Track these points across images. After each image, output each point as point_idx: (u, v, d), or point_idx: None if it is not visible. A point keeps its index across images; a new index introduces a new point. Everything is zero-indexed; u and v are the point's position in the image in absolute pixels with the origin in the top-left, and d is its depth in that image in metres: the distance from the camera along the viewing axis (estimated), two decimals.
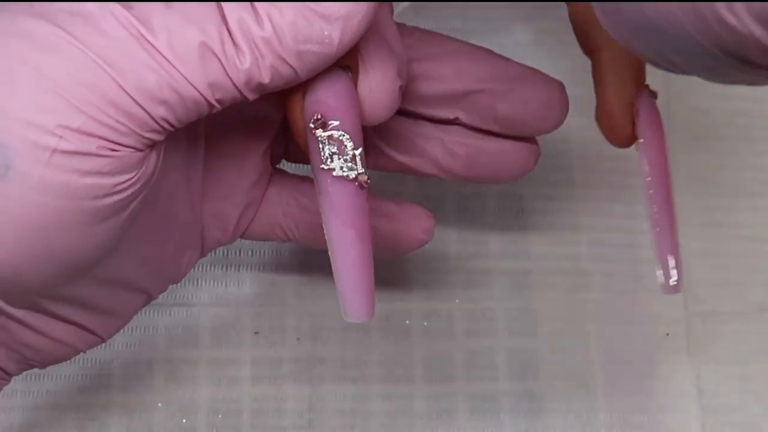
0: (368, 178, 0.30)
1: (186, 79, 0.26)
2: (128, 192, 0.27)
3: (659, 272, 0.34)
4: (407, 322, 0.43)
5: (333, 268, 0.30)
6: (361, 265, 0.30)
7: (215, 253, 0.43)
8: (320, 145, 0.29)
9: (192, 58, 0.26)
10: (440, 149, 0.35)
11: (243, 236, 0.37)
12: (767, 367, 0.44)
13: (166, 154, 0.30)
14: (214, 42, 0.26)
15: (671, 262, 0.34)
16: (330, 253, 0.30)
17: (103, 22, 0.26)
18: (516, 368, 0.43)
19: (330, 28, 0.27)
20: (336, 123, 0.29)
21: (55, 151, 0.25)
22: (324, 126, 0.29)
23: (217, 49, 0.26)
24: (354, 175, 0.29)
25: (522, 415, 0.42)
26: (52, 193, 0.26)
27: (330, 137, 0.29)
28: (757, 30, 0.21)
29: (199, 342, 0.42)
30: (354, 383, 0.42)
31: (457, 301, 0.43)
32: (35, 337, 0.31)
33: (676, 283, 0.34)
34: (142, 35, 0.26)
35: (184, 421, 0.41)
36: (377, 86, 0.30)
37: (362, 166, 0.29)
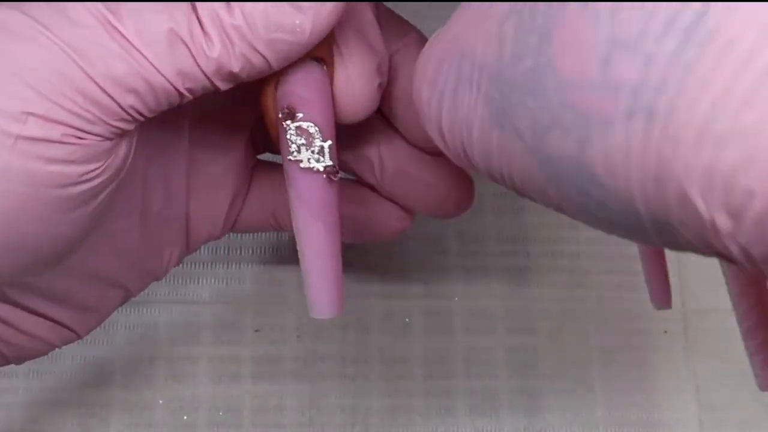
0: (338, 171, 0.29)
1: (154, 66, 0.26)
2: (96, 182, 0.27)
3: (649, 292, 0.35)
4: (407, 319, 0.43)
5: (300, 261, 0.30)
6: (328, 260, 0.30)
7: (216, 251, 0.43)
8: (288, 136, 0.29)
9: (160, 45, 0.26)
10: (376, 157, 0.34)
11: (234, 228, 0.36)
12: None
13: (139, 146, 0.29)
14: (182, 29, 0.26)
15: (658, 283, 0.35)
16: (297, 247, 0.30)
17: (72, 10, 0.25)
18: (515, 365, 0.43)
19: (302, 17, 0.26)
20: (304, 114, 0.29)
21: (18, 137, 0.25)
22: (293, 117, 0.29)
23: (185, 36, 0.26)
24: (322, 168, 0.29)
25: (521, 412, 0.42)
26: (17, 180, 0.25)
27: (298, 128, 0.29)
28: (721, 219, 0.18)
29: (200, 339, 0.42)
30: (354, 380, 0.42)
31: (456, 298, 0.44)
32: (7, 330, 0.30)
33: (662, 301, 0.35)
34: (109, 22, 0.25)
35: (185, 418, 0.41)
36: (354, 82, 0.29)
37: (330, 159, 0.29)
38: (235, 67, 0.27)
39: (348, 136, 0.33)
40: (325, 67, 0.29)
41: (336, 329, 0.43)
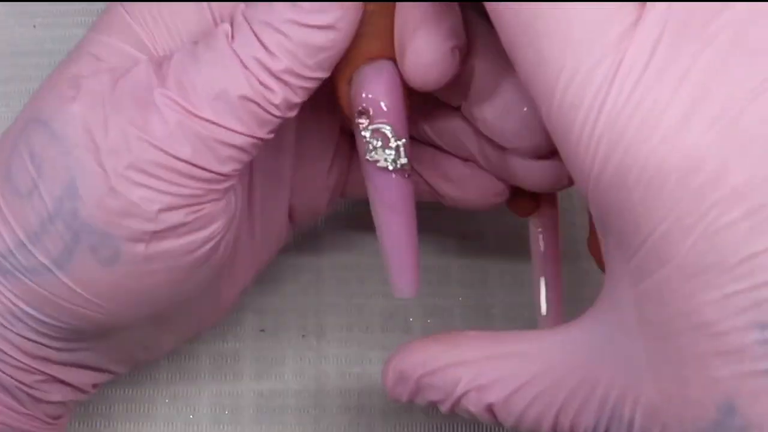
0: (412, 167, 0.31)
1: (237, 132, 0.28)
2: (219, 237, 0.30)
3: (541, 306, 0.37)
4: (410, 319, 0.43)
5: (381, 248, 0.32)
6: (404, 248, 0.32)
7: None
8: (364, 137, 0.31)
9: (236, 113, 0.28)
10: (479, 152, 0.35)
11: (343, 195, 0.39)
12: None
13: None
14: (247, 90, 0.28)
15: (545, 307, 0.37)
16: (378, 234, 0.32)
17: (156, 113, 0.28)
18: None
19: (332, 31, 0.28)
20: (378, 115, 0.30)
21: (153, 232, 0.28)
22: (368, 119, 0.30)
23: (252, 96, 0.28)
24: (399, 166, 0.31)
25: None
26: (157, 261, 0.29)
27: (374, 130, 0.30)
28: None
29: (203, 338, 0.42)
30: (358, 380, 0.42)
31: (458, 298, 0.44)
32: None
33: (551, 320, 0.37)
34: (189, 112, 0.28)
35: (190, 416, 0.41)
36: (425, 53, 0.30)
37: (405, 156, 0.31)
38: (298, 98, 0.29)
39: (443, 131, 0.35)
40: (393, 62, 0.30)
41: (339, 328, 0.43)
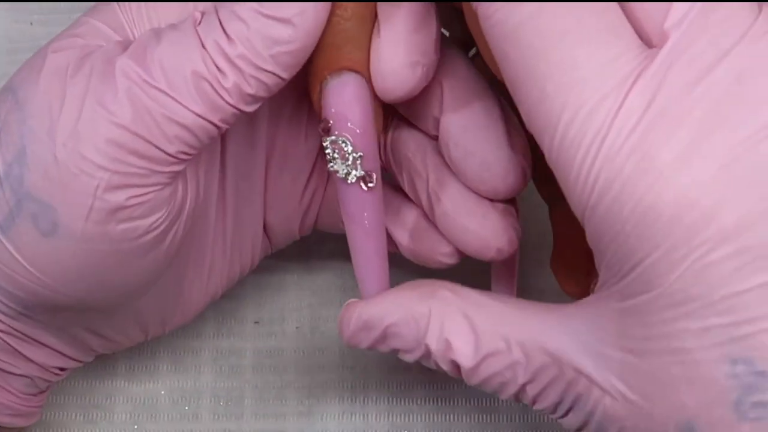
0: (371, 179, 0.31)
1: (187, 108, 0.28)
2: (162, 227, 0.30)
3: None
4: None
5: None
6: (370, 257, 0.32)
7: None
8: (325, 149, 0.31)
9: (188, 88, 0.28)
10: (424, 194, 0.35)
11: (316, 228, 0.39)
12: None
13: (211, 175, 0.33)
14: (200, 67, 0.28)
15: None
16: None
17: (112, 77, 0.28)
18: None
19: (290, 27, 0.28)
20: (338, 128, 0.30)
21: (91, 208, 0.28)
22: (328, 132, 0.30)
23: (205, 74, 0.28)
24: (354, 179, 0.31)
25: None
26: (94, 241, 0.29)
27: (333, 142, 0.30)
28: None
29: (202, 332, 0.42)
30: (352, 371, 0.42)
31: None
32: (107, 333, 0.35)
33: None
34: (144, 80, 0.28)
35: (186, 408, 0.41)
36: (387, 61, 0.30)
37: (361, 170, 0.31)
38: (251, 89, 0.29)
39: (404, 167, 0.35)
40: (361, 75, 0.30)
41: (334, 321, 0.43)
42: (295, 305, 0.43)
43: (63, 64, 0.29)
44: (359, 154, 0.31)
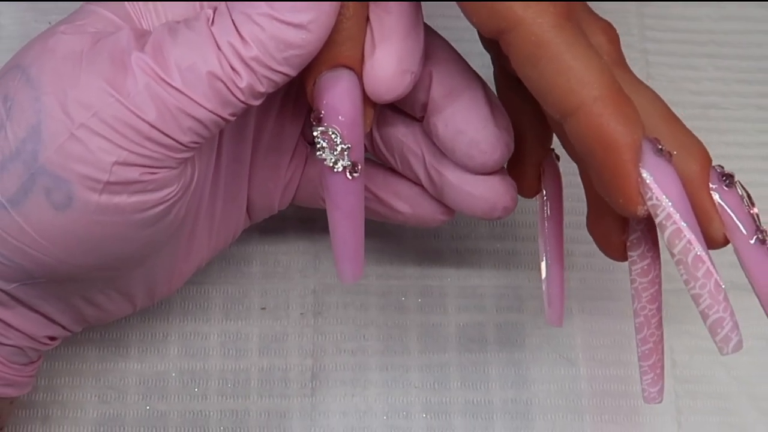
0: (357, 170, 0.32)
1: (202, 106, 0.29)
2: (171, 201, 0.31)
3: (546, 308, 0.37)
4: (403, 298, 0.44)
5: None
6: (347, 239, 0.33)
7: None
8: (315, 138, 0.32)
9: (203, 87, 0.29)
10: (423, 174, 0.37)
11: (293, 203, 0.40)
12: None
13: (207, 155, 0.34)
14: (216, 69, 0.29)
15: (557, 303, 0.37)
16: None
17: (129, 70, 0.29)
18: (504, 341, 0.43)
19: (304, 32, 0.29)
20: (329, 119, 0.31)
21: (106, 183, 0.29)
22: (318, 122, 0.32)
23: (220, 75, 0.29)
24: (341, 168, 0.32)
25: (509, 384, 0.43)
26: (107, 213, 0.30)
27: (323, 132, 0.32)
28: None
29: (210, 317, 0.43)
30: (353, 355, 0.43)
31: (449, 279, 0.45)
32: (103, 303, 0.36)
33: (557, 319, 0.37)
34: (161, 78, 0.29)
35: (196, 389, 0.42)
36: (380, 69, 0.32)
37: (348, 160, 0.32)
38: (262, 87, 0.30)
39: (396, 148, 0.36)
40: (354, 72, 0.32)
41: (336, 307, 0.44)
42: (299, 292, 0.44)
43: (77, 47, 0.30)
44: (347, 145, 0.32)
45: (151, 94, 0.29)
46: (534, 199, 0.38)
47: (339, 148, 0.32)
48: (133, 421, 0.42)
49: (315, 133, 0.32)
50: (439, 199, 0.37)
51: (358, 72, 0.32)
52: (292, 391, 0.42)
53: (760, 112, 0.49)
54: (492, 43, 0.31)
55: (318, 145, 0.32)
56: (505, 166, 0.37)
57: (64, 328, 0.35)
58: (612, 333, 0.44)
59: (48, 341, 0.35)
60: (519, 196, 0.37)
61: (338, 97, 0.31)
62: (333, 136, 0.32)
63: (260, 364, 0.43)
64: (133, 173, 0.29)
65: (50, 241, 0.30)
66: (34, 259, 0.30)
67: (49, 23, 0.48)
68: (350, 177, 0.32)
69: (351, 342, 0.43)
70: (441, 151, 0.36)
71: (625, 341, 0.44)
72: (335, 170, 0.32)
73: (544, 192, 0.37)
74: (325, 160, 0.32)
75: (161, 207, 0.31)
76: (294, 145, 0.38)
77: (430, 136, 0.35)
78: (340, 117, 0.31)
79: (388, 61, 0.31)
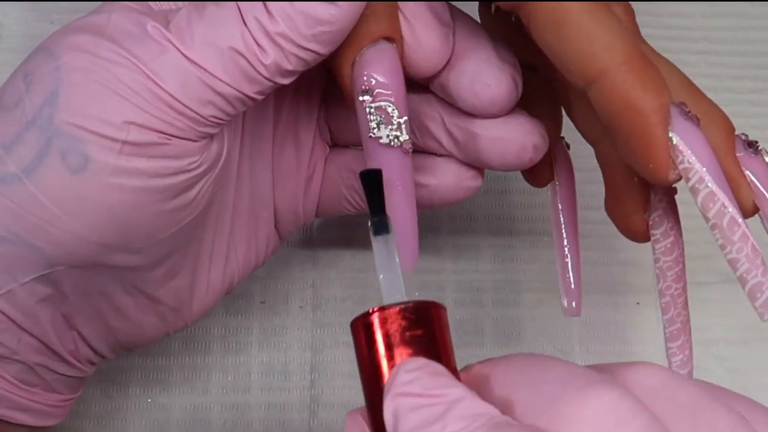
0: (411, 143, 0.31)
1: (222, 81, 0.29)
2: (193, 173, 0.30)
3: (563, 299, 0.36)
4: None
5: None
6: (406, 224, 0.32)
7: None
8: (368, 116, 0.31)
9: (224, 62, 0.29)
10: (443, 132, 0.35)
11: (318, 214, 0.38)
12: (730, 333, 0.45)
13: (233, 145, 0.33)
14: (239, 44, 0.29)
15: (575, 292, 0.36)
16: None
17: (149, 40, 0.29)
18: (500, 334, 0.44)
19: (334, 8, 0.29)
20: (382, 94, 0.31)
21: (124, 142, 0.29)
22: (372, 97, 0.31)
23: (243, 50, 0.29)
24: (399, 143, 0.31)
25: None
26: (126, 175, 0.29)
27: (377, 108, 0.31)
28: None
29: (211, 312, 0.41)
30: (351, 347, 0.42)
31: (446, 273, 0.45)
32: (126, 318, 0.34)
33: (575, 308, 0.36)
34: (177, 49, 0.29)
35: (197, 383, 0.43)
36: (423, 37, 0.31)
37: (406, 133, 0.31)
38: (290, 65, 0.30)
39: (413, 120, 0.35)
40: (394, 43, 0.31)
41: (335, 301, 0.44)
42: (299, 286, 0.45)
43: (100, 22, 0.30)
44: (405, 118, 0.31)
45: (170, 64, 0.29)
46: (537, 192, 0.38)
47: (396, 123, 0.31)
48: (135, 414, 0.42)
49: (368, 110, 0.31)
50: (467, 162, 0.35)
51: (399, 44, 0.31)
52: (291, 384, 0.43)
53: (754, 108, 0.49)
54: (498, 21, 0.31)
55: (372, 124, 0.31)
56: None
57: (88, 345, 0.34)
58: (607, 325, 0.45)
59: (73, 359, 0.34)
60: (531, 186, 0.37)
61: (389, 70, 0.31)
62: (390, 110, 0.31)
63: (260, 358, 0.43)
64: (151, 136, 0.29)
65: (67, 213, 0.29)
66: (51, 237, 0.29)
67: (51, 23, 0.48)
68: (406, 151, 0.32)
69: (348, 335, 0.41)
70: (457, 109, 0.34)
71: (621, 333, 0.44)
72: (393, 145, 0.31)
73: (556, 181, 0.37)
74: (381, 138, 0.31)
75: (182, 177, 0.30)
76: (311, 140, 0.38)
77: (439, 96, 0.34)
78: (393, 90, 0.31)
79: (433, 36, 0.31)
